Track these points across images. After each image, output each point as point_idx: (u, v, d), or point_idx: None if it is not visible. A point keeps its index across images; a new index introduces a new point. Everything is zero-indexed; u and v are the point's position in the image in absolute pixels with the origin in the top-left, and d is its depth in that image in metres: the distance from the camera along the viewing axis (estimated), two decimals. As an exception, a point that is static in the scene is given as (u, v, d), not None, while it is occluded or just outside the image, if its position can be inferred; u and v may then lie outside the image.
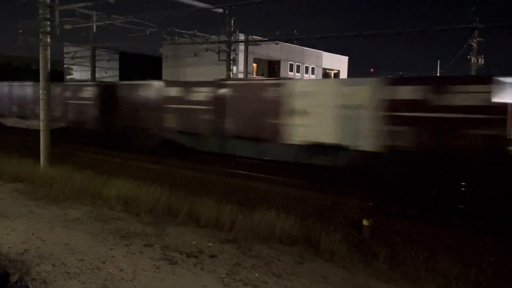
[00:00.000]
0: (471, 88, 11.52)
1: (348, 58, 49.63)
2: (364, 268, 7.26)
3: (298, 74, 42.93)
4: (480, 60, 30.56)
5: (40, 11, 15.58)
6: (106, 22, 21.26)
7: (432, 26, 13.32)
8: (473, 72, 30.06)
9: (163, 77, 40.26)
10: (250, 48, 31.38)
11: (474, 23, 18.09)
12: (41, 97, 15.99)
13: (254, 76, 39.18)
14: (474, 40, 30.12)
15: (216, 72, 30.05)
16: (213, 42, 25.25)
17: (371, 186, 12.41)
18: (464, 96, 11.60)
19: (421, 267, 7.27)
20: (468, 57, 30.84)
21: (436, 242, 9.02)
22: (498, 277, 7.29)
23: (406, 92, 12.59)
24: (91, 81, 28.52)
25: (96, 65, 32.62)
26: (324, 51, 46.11)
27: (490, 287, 6.89)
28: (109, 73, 42.03)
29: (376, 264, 7.51)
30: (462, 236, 9.30)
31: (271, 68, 42.64)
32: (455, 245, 8.84)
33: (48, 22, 15.75)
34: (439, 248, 8.46)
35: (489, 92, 11.27)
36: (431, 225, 9.93)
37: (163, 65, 41.41)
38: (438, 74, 39.64)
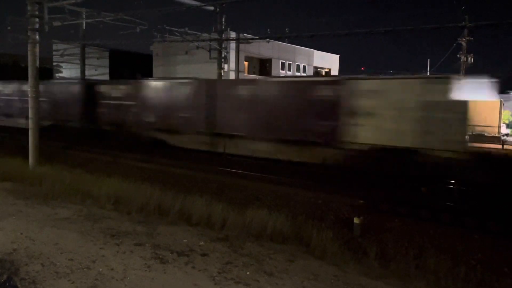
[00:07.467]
0: (326, 87, 14.45)
1: (339, 57, 49.86)
2: (355, 265, 7.28)
3: (290, 72, 42.98)
4: (469, 59, 30.85)
5: (29, 8, 15.38)
6: (96, 19, 21.11)
7: (423, 25, 13.49)
8: (462, 71, 30.33)
9: (154, 75, 40.00)
10: (242, 46, 31.30)
11: (463, 22, 18.26)
12: (29, 95, 15.80)
13: (246, 74, 39.12)
14: (464, 39, 30.37)
15: (207, 70, 29.96)
16: (204, 40, 25.16)
17: (362, 184, 12.47)
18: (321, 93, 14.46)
19: (411, 264, 7.33)
20: (458, 56, 31.10)
21: (426, 239, 9.09)
22: (487, 273, 7.37)
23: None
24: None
25: (86, 62, 32.31)
26: (315, 49, 46.23)
27: (479, 283, 6.96)
28: (99, 70, 41.67)
29: (367, 262, 7.55)
30: (451, 233, 9.39)
31: (263, 66, 42.62)
32: (444, 242, 8.93)
33: (37, 19, 15.56)
34: (429, 245, 8.54)
35: (338, 91, 13.95)
36: (421, 222, 10.01)
37: (154, 63, 41.11)
38: (428, 73, 39.92)
